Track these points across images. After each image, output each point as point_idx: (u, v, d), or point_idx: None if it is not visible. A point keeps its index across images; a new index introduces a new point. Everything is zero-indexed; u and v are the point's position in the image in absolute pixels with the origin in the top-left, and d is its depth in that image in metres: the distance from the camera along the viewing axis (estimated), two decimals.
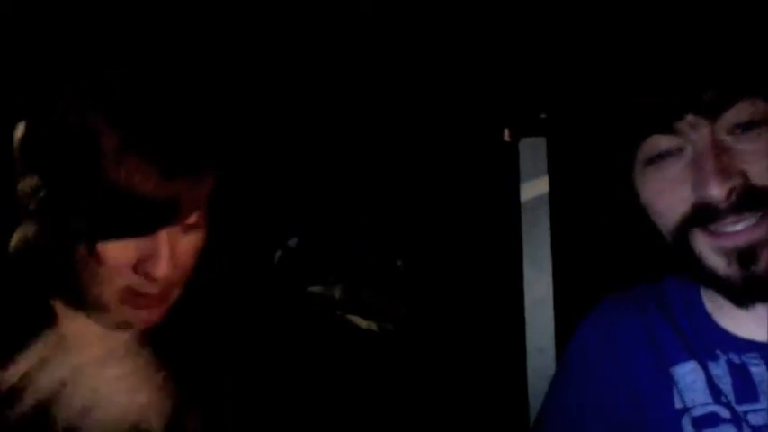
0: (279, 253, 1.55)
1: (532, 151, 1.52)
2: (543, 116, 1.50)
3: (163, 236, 0.76)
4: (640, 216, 0.83)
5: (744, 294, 0.73)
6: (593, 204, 1.47)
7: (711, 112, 0.71)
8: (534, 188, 1.52)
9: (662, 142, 0.73)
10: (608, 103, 0.76)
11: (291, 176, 1.54)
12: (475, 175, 1.55)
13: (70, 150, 0.73)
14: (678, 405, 0.77)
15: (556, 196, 1.52)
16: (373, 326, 1.51)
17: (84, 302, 0.79)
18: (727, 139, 0.71)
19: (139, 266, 0.76)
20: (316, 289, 1.53)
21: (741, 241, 0.71)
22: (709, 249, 0.72)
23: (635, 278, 0.93)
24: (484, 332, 1.51)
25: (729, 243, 0.71)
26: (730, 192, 0.70)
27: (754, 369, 0.74)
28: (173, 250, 0.76)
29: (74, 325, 0.82)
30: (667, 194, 0.74)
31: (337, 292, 1.53)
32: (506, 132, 1.53)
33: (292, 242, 1.56)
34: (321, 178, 1.56)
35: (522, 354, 1.49)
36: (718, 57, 0.71)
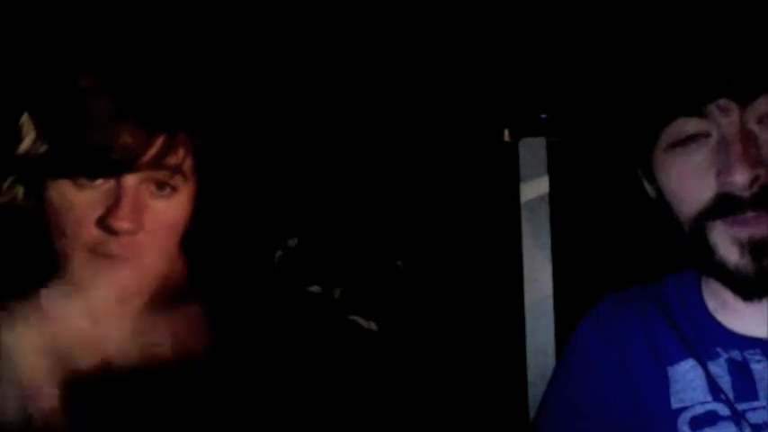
0: (279, 253, 1.55)
1: (532, 151, 1.52)
2: (543, 116, 1.50)
3: (127, 189, 0.77)
4: (640, 215, 0.83)
5: (753, 287, 0.72)
6: (593, 204, 1.47)
7: (743, 98, 0.70)
8: (534, 188, 1.52)
9: (689, 125, 0.73)
10: (637, 81, 0.75)
11: (291, 176, 1.53)
12: (475, 175, 1.55)
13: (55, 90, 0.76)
14: (676, 404, 0.76)
15: (556, 196, 1.51)
16: (373, 326, 1.51)
17: (55, 267, 0.79)
18: (756, 128, 0.71)
19: (101, 219, 0.77)
20: (316, 289, 1.53)
21: (757, 232, 0.70)
22: (724, 239, 0.72)
23: (635, 278, 0.93)
24: (484, 333, 1.51)
25: (745, 232, 0.70)
26: (754, 181, 0.69)
27: (755, 366, 0.74)
28: (139, 208, 0.77)
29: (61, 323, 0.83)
30: (691, 180, 0.73)
31: (337, 292, 1.53)
32: (506, 132, 1.53)
33: (292, 242, 1.56)
34: (321, 178, 1.56)
35: (522, 354, 1.49)
36: (756, 42, 0.70)
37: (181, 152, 0.80)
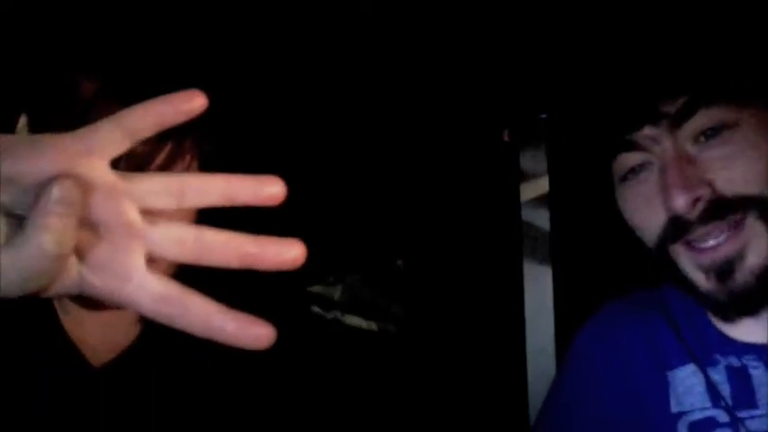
0: None
1: (532, 151, 1.53)
2: (543, 116, 1.50)
3: None
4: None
5: (726, 308, 0.72)
6: (593, 204, 1.47)
7: (672, 123, 0.69)
8: (534, 188, 1.52)
9: (629, 159, 0.72)
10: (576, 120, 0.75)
11: (291, 176, 1.53)
12: (475, 175, 1.55)
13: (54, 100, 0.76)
14: (675, 409, 0.76)
15: (556, 196, 1.52)
16: (373, 326, 1.51)
17: None
18: (692, 149, 0.70)
19: None
20: (316, 289, 1.53)
21: (717, 257, 0.69)
22: (689, 264, 0.71)
23: (635, 278, 0.93)
24: (484, 333, 1.51)
25: (706, 259, 0.70)
26: (695, 202, 0.68)
27: (753, 372, 0.73)
28: None
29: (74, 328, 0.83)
30: (642, 210, 0.73)
31: (337, 293, 1.53)
32: (506, 132, 1.53)
33: None
34: (321, 178, 1.56)
35: (522, 355, 1.49)
36: (676, 64, 0.69)
37: (188, 158, 0.79)
